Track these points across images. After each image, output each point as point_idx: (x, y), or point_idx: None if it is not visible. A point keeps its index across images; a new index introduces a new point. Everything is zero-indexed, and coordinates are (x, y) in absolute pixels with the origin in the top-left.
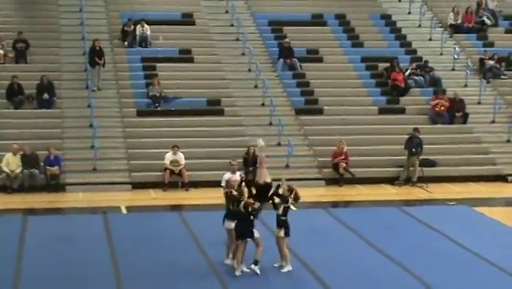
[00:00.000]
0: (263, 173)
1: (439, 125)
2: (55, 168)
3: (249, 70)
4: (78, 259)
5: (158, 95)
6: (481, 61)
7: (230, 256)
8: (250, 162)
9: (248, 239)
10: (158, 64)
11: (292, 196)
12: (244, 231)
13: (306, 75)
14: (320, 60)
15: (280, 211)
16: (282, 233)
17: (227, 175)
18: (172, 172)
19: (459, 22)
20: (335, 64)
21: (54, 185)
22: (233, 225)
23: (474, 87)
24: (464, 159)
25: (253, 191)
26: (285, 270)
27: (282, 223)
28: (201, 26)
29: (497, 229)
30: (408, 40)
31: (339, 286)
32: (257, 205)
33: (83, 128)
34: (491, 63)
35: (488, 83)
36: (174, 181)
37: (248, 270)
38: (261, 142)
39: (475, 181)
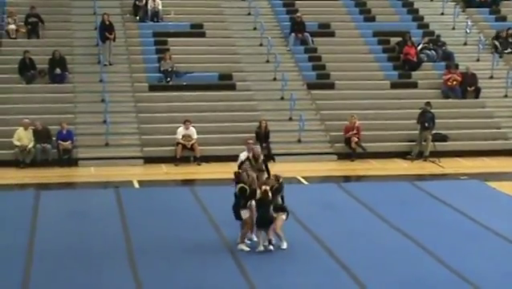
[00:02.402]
0: None
1: (451, 100)
2: (68, 143)
3: (261, 44)
4: (90, 233)
5: (170, 69)
6: (498, 36)
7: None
8: (263, 136)
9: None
10: (170, 39)
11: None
12: (265, 219)
13: (317, 49)
14: (332, 34)
15: (279, 200)
16: (284, 216)
17: (243, 154)
18: (184, 146)
19: None
20: (346, 38)
21: (67, 160)
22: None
23: (486, 61)
24: (476, 133)
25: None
26: (284, 246)
27: (284, 208)
28: (212, 0)
29: (509, 203)
30: (420, 14)
31: (352, 260)
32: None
33: (95, 102)
34: (501, 39)
35: (500, 57)
36: (186, 155)
37: (248, 249)
38: None
39: (487, 156)
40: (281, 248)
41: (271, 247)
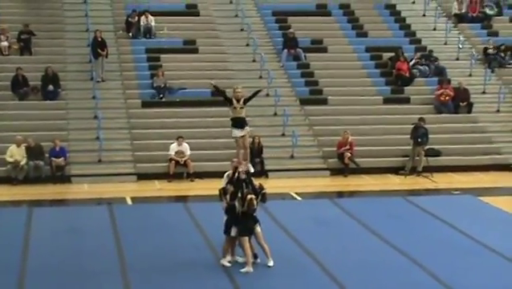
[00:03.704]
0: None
1: (444, 115)
2: (61, 160)
3: (254, 60)
4: (83, 251)
5: (163, 86)
6: (485, 50)
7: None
8: (256, 152)
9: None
10: (162, 55)
11: (261, 193)
12: (248, 227)
13: (310, 65)
14: (325, 50)
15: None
16: (259, 228)
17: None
18: (177, 162)
19: (463, 11)
20: (339, 54)
21: (60, 177)
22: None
23: (479, 76)
24: (469, 148)
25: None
26: (271, 264)
27: (255, 219)
28: (205, 16)
29: (502, 218)
30: (412, 30)
31: (345, 276)
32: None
33: (88, 119)
34: (492, 51)
35: (492, 72)
36: (179, 171)
37: (241, 260)
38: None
39: (480, 171)
40: (267, 265)
41: (258, 260)
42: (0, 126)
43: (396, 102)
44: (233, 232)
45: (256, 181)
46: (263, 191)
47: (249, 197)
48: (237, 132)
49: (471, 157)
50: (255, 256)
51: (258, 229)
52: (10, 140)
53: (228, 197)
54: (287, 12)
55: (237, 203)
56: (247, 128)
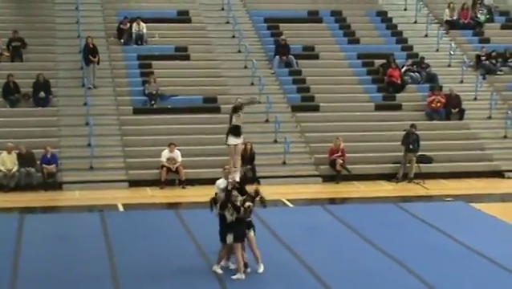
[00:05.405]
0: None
1: (435, 121)
2: (52, 167)
3: (246, 67)
4: (75, 258)
5: (154, 92)
6: (478, 57)
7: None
8: (247, 159)
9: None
10: (154, 62)
11: (258, 198)
12: (241, 233)
13: (302, 71)
14: (316, 57)
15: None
16: (252, 233)
17: (220, 181)
18: (168, 169)
19: (455, 18)
20: (331, 61)
21: (51, 184)
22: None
23: (470, 83)
24: (460, 155)
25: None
26: (261, 270)
27: (250, 224)
28: (196, 23)
29: (493, 225)
30: (404, 36)
31: (336, 282)
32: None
33: (80, 126)
34: (486, 62)
35: (484, 79)
36: (171, 178)
37: (233, 266)
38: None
39: (472, 177)
40: (257, 272)
41: (249, 270)
42: None
43: (387, 109)
44: (229, 240)
45: (252, 187)
46: (260, 196)
47: (247, 204)
48: (234, 140)
49: (463, 164)
50: (245, 265)
51: (252, 234)
52: (1, 147)
53: (218, 206)
54: (279, 19)
55: (227, 213)
56: (242, 136)
